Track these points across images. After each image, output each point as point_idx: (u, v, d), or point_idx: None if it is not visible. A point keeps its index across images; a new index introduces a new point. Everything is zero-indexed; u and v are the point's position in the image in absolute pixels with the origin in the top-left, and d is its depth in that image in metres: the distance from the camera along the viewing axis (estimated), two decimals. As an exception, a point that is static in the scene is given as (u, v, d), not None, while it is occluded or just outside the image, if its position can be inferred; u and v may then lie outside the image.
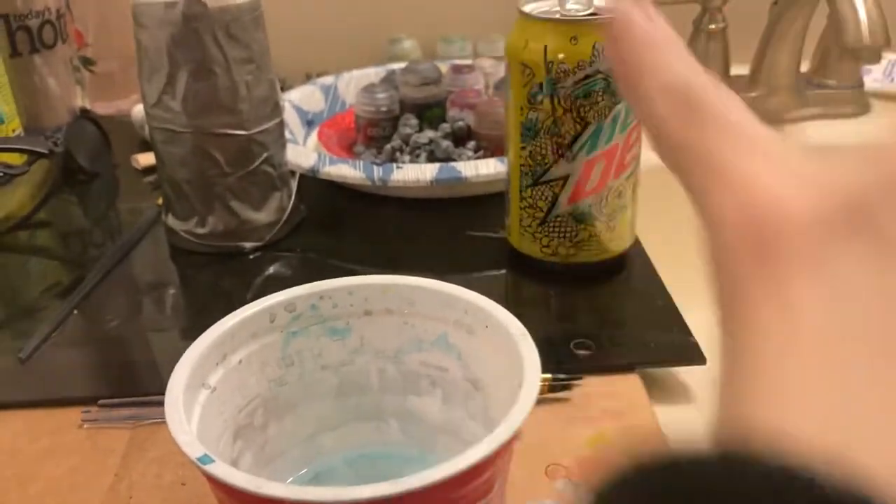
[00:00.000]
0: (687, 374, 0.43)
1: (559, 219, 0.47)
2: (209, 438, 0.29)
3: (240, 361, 0.32)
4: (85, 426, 0.40)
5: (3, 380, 0.44)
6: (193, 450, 0.25)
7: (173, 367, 0.44)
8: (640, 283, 0.49)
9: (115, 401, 0.41)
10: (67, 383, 0.43)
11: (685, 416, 0.40)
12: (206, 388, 0.30)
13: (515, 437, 0.26)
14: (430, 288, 0.34)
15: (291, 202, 0.56)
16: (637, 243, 0.52)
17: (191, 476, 0.37)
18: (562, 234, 0.48)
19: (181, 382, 0.28)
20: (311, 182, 0.59)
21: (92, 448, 0.39)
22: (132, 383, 0.43)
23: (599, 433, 0.38)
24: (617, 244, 0.49)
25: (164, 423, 0.40)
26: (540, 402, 0.40)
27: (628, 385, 0.41)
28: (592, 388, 0.41)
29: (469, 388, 0.33)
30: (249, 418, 0.33)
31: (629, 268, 0.50)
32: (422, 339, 0.34)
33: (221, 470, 0.24)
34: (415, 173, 0.55)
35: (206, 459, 0.25)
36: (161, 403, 0.41)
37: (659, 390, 0.42)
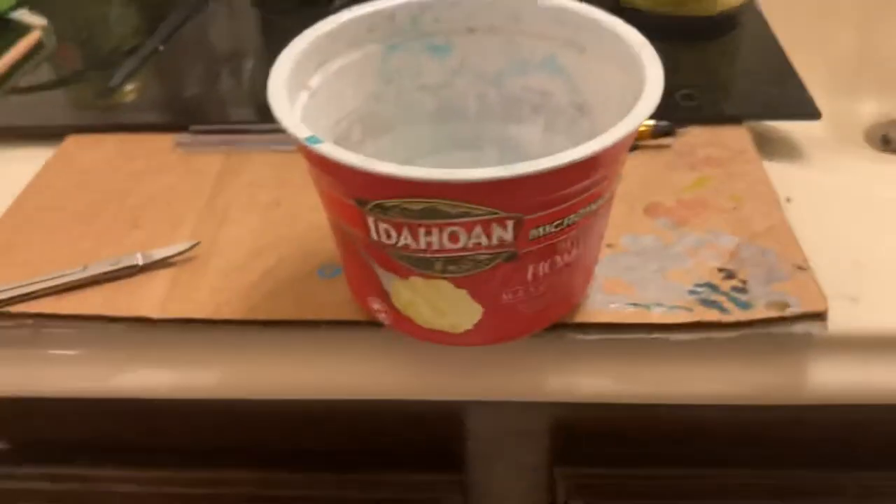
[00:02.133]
0: (797, 131, 0.41)
1: (672, -38, 0.43)
2: (310, 139, 0.28)
3: (338, 69, 0.31)
4: (178, 150, 0.40)
5: (96, 107, 0.44)
6: (301, 131, 0.24)
7: (258, 104, 0.43)
8: (753, 40, 0.46)
9: (207, 127, 0.41)
10: (158, 112, 0.43)
11: (793, 172, 0.38)
12: (306, 89, 0.29)
13: (630, 136, 0.25)
14: (540, 2, 0.31)
15: (379, -53, 0.53)
16: (752, 3, 0.48)
17: (286, 197, 0.37)
18: (673, -19, 0.44)
19: (282, 76, 0.27)
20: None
21: (186, 170, 0.39)
22: (222, 113, 0.43)
23: (702, 177, 0.36)
24: (731, -3, 0.45)
25: (257, 151, 0.40)
26: (641, 147, 0.39)
27: (735, 136, 0.39)
28: (696, 136, 0.39)
29: (574, 113, 0.32)
30: (347, 132, 0.32)
31: (742, 25, 0.47)
32: (527, 60, 0.32)
33: (330, 149, 0.24)
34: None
35: (313, 140, 0.24)
36: (253, 132, 0.41)
37: (766, 145, 0.39)
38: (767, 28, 0.47)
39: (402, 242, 0.25)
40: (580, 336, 0.30)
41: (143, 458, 0.38)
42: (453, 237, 0.25)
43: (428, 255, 0.25)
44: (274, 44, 0.50)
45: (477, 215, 0.24)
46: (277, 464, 0.37)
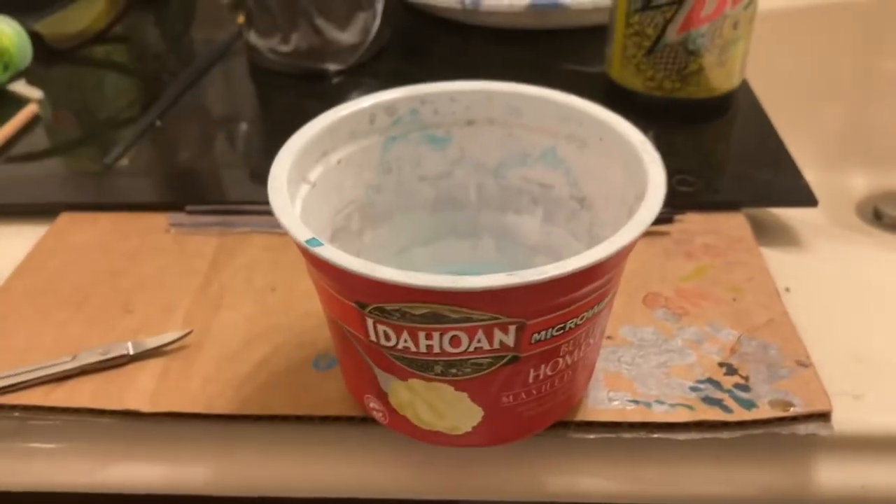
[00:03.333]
0: (794, 217, 0.41)
1: (667, 49, 0.44)
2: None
3: (338, 161, 0.31)
4: (172, 230, 0.40)
5: (90, 184, 0.43)
6: (301, 233, 0.24)
7: (256, 180, 0.43)
8: (748, 124, 0.46)
9: (203, 207, 0.40)
10: (153, 189, 0.43)
11: (789, 259, 0.38)
12: (307, 182, 0.29)
13: (635, 242, 0.25)
14: (541, 97, 0.31)
15: (376, 24, 0.53)
16: (745, 84, 0.49)
17: (281, 282, 0.36)
18: (668, 67, 0.44)
19: (284, 171, 0.27)
20: (397, 7, 0.56)
21: (180, 251, 0.38)
22: (217, 192, 0.42)
23: (700, 266, 0.36)
24: (725, 81, 0.46)
25: (253, 232, 0.39)
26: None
27: (733, 223, 0.39)
28: (694, 224, 0.39)
29: (574, 206, 0.32)
30: (346, 222, 0.31)
31: (736, 108, 0.47)
32: (527, 152, 0.32)
33: (330, 253, 0.23)
34: (510, -2, 0.52)
35: (314, 242, 0.24)
36: (249, 213, 0.41)
37: (761, 230, 0.39)
38: (761, 110, 0.47)
39: (401, 345, 0.25)
40: (580, 435, 0.30)
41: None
42: (455, 341, 0.24)
43: (428, 359, 0.25)
44: (272, 119, 0.50)
45: (479, 320, 0.24)
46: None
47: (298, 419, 0.30)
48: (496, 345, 0.24)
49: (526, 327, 0.24)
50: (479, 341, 0.24)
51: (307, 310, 0.35)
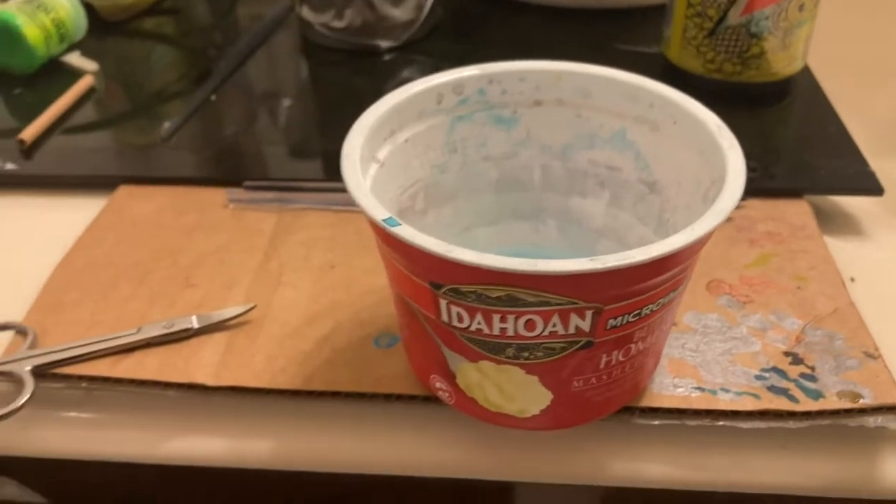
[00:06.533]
0: (856, 205, 0.40)
1: (729, 31, 0.43)
2: (379, 212, 0.28)
3: (406, 140, 0.30)
4: (230, 206, 0.40)
5: (146, 157, 0.44)
6: (378, 212, 0.24)
7: (308, 157, 0.43)
8: (810, 109, 0.45)
9: (261, 183, 0.40)
10: (208, 164, 0.43)
11: (853, 248, 0.38)
12: (376, 161, 0.29)
13: (715, 229, 0.24)
14: (612, 78, 0.31)
15: (430, 0, 0.53)
16: (806, 68, 0.48)
17: (340, 259, 0.36)
18: (730, 49, 0.44)
19: (356, 149, 0.27)
20: (450, -17, 0.56)
21: (239, 227, 0.38)
22: (270, 169, 0.42)
23: (763, 254, 0.36)
24: (788, 65, 0.45)
25: (310, 208, 0.39)
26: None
27: (795, 210, 0.38)
28: (756, 210, 0.38)
29: (643, 189, 0.31)
30: (411, 201, 0.31)
31: (797, 92, 0.46)
32: (595, 134, 0.32)
33: (408, 233, 0.23)
34: (566, -24, 0.51)
35: (392, 222, 0.24)
36: (306, 189, 0.41)
37: (824, 220, 0.39)
38: (822, 95, 0.46)
39: (474, 327, 0.25)
40: (645, 421, 0.29)
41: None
42: (529, 325, 0.24)
43: (501, 341, 0.25)
44: (325, 95, 0.50)
45: (556, 304, 0.23)
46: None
47: (361, 396, 0.30)
48: (571, 329, 0.24)
49: (602, 312, 0.24)
50: (554, 325, 0.24)
51: (366, 287, 0.35)
